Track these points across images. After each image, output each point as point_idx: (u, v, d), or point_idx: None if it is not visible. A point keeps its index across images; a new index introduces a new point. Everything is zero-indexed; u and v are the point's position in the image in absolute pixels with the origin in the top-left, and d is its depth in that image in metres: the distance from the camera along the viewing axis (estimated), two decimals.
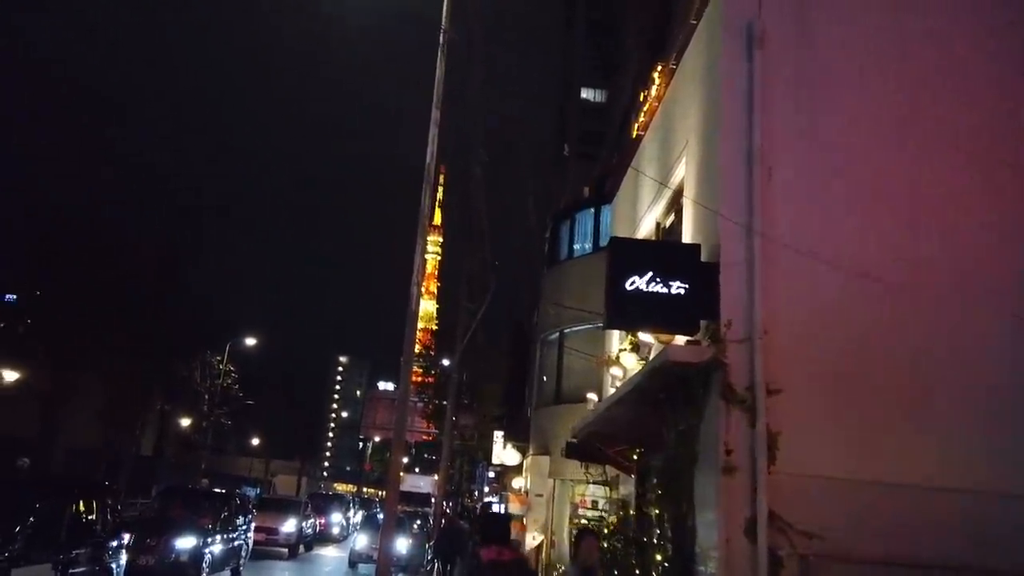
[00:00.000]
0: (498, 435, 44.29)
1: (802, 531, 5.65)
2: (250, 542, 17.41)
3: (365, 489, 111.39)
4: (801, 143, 6.69)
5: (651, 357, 7.84)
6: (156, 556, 13.40)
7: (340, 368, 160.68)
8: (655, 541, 7.26)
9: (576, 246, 19.47)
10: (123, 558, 11.14)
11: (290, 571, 20.31)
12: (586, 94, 70.79)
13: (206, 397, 42.83)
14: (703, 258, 6.57)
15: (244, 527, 16.91)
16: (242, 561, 16.58)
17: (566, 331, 18.84)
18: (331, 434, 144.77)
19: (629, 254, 6.94)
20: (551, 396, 18.94)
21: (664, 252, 7.40)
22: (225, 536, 15.34)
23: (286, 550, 22.20)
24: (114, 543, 10.73)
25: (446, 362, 35.31)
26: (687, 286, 6.42)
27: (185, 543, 13.75)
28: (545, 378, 19.80)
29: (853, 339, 6.24)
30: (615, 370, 9.29)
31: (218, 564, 14.91)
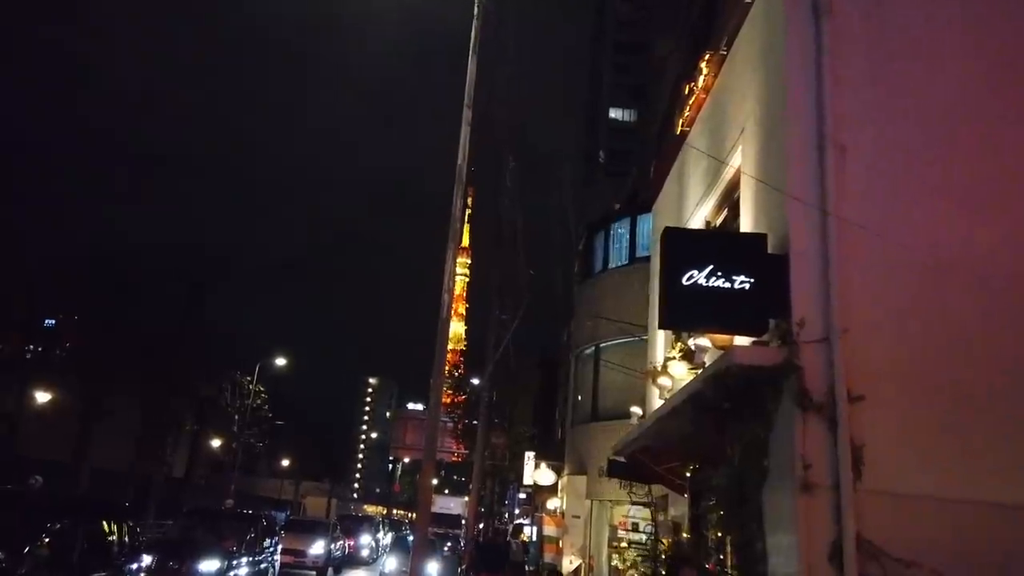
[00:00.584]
0: (529, 456, 43.46)
1: (896, 558, 4.90)
2: (277, 564, 16.85)
3: (395, 511, 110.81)
4: (876, 120, 5.99)
5: (706, 364, 7.15)
6: None
7: (369, 389, 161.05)
8: (720, 568, 6.53)
9: (611, 258, 18.80)
10: None
11: None
12: (614, 113, 70.55)
13: (236, 418, 42.61)
14: (769, 249, 5.88)
15: (271, 549, 16.35)
16: None
17: (602, 345, 18.13)
18: (360, 455, 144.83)
19: (686, 246, 6.26)
20: (587, 414, 18.19)
21: (726, 243, 6.70)
22: (250, 559, 14.79)
23: (314, 573, 21.60)
24: (133, 566, 10.22)
25: (476, 381, 34.76)
26: (752, 280, 5.73)
27: (209, 566, 13.22)
28: (580, 396, 19.07)
29: (946, 340, 5.48)
30: (663, 380, 8.59)
31: None
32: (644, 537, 16.18)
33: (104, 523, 9.53)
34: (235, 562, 13.96)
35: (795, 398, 5.30)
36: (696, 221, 9.22)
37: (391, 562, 20.03)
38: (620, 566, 16.49)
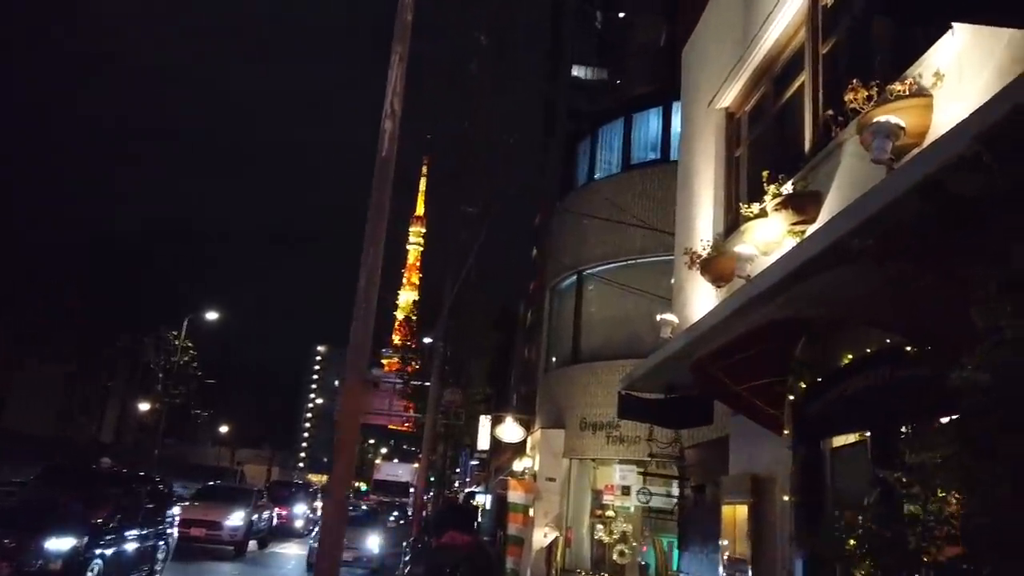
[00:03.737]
0: (485, 420, 40.42)
1: None
2: (172, 541, 13.25)
3: None
4: None
5: (750, 275, 3.87)
6: (13, 563, 9.27)
7: (319, 358, 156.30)
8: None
9: (599, 168, 15.47)
10: None
11: None
12: (577, 72, 66.83)
13: (160, 376, 38.41)
14: None
15: (164, 523, 12.76)
16: (159, 566, 12.45)
17: (587, 272, 14.85)
18: (308, 425, 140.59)
19: None
20: (566, 356, 14.97)
21: None
22: (130, 534, 11.21)
23: (232, 548, 18.04)
24: None
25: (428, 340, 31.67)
26: None
27: (60, 544, 9.62)
28: (558, 336, 15.82)
29: None
30: (743, 248, 5.29)
31: (118, 571, 10.80)
32: (637, 504, 13.14)
33: None
34: (103, 539, 10.37)
35: None
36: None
37: None
38: (606, 539, 13.39)
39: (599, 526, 13.38)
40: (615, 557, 12.94)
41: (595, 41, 27.83)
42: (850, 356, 4.27)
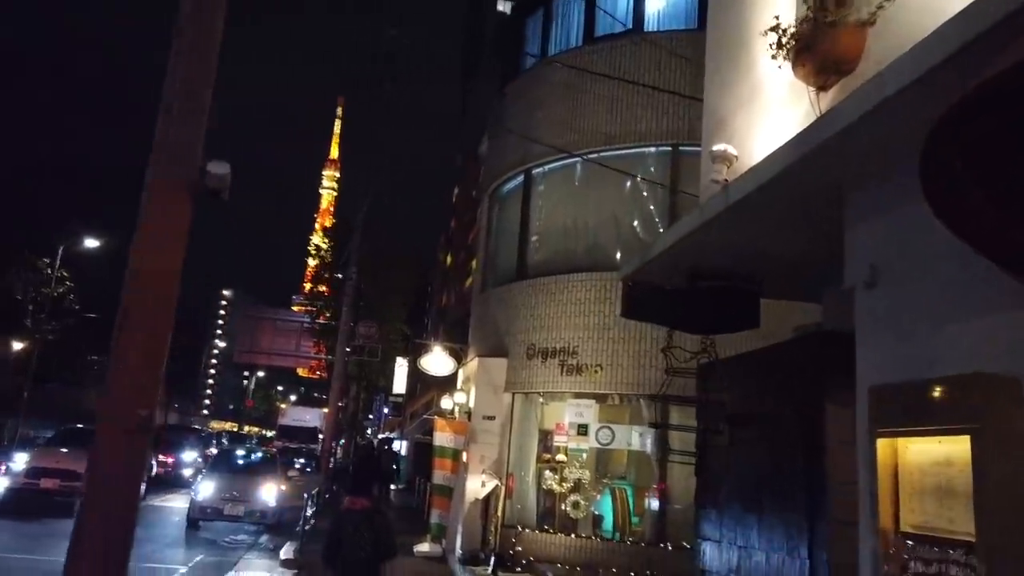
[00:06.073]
0: (402, 361, 37.77)
1: None
2: None
3: (247, 428, 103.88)
4: None
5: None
6: None
7: (224, 303, 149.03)
8: None
9: (553, 44, 12.72)
10: None
11: None
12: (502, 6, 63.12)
13: (30, 308, 33.67)
14: None
15: None
16: None
17: (536, 170, 12.24)
18: (213, 371, 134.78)
19: None
20: (509, 272, 12.40)
21: None
22: None
23: None
24: None
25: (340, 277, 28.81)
26: None
27: None
28: (498, 249, 13.21)
29: None
30: None
31: None
32: (595, 446, 10.84)
33: None
34: None
35: None
36: None
37: (207, 487, 13.63)
38: (556, 487, 11.14)
39: (548, 473, 11.09)
40: (567, 509, 10.71)
41: None
42: None
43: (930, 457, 2.80)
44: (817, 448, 4.27)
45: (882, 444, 3.00)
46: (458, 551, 11.37)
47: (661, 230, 9.88)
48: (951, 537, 2.63)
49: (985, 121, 2.31)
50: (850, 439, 4.02)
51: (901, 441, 2.96)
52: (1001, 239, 2.38)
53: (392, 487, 23.81)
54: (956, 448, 2.64)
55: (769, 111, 4.56)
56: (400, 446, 35.70)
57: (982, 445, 2.49)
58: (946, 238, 3.07)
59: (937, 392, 2.76)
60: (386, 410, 50.98)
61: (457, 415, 13.35)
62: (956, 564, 2.57)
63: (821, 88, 3.93)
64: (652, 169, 10.99)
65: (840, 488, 4.30)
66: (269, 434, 51.53)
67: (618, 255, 10.69)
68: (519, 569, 10.08)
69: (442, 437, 12.84)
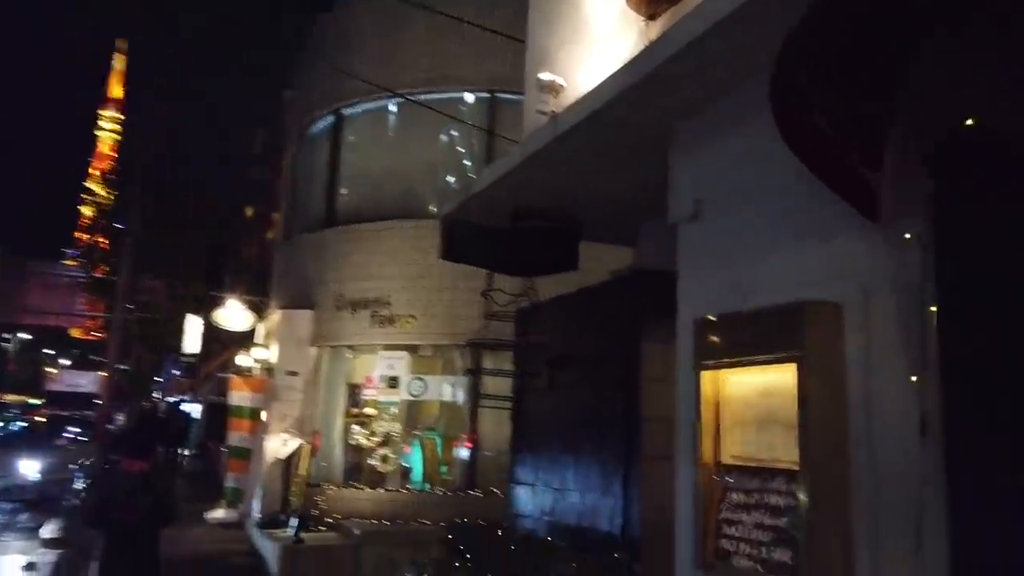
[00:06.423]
0: (194, 319, 35.09)
1: None
2: None
3: (8, 396, 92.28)
4: None
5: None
6: None
7: None
8: None
9: None
10: None
11: None
12: None
13: None
14: None
15: None
16: None
17: (347, 112, 11.55)
18: None
19: None
20: (317, 218, 11.65)
21: None
22: None
23: None
24: None
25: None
26: None
27: None
28: (305, 194, 12.32)
29: None
30: None
31: None
32: (406, 398, 10.53)
33: None
34: None
35: None
36: None
37: None
38: (364, 442, 10.73)
39: (356, 428, 10.65)
40: (375, 463, 10.38)
41: None
42: None
43: (753, 388, 2.82)
44: (633, 387, 4.29)
45: (706, 377, 2.98)
46: (256, 515, 10.66)
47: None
48: (773, 466, 2.65)
49: (826, 37, 2.25)
50: (664, 376, 4.07)
51: (723, 373, 2.95)
52: (840, 165, 2.36)
53: (182, 452, 22.04)
54: (780, 378, 2.65)
55: (597, 43, 4.43)
56: (193, 409, 33.23)
57: (806, 373, 2.51)
58: (768, 168, 3.08)
59: (761, 322, 2.76)
60: (176, 372, 47.31)
61: (257, 373, 12.44)
62: (776, 493, 2.59)
63: (651, 17, 3.84)
64: (469, 116, 10.72)
65: (652, 424, 4.37)
66: (35, 402, 45.80)
67: (434, 203, 10.35)
68: (324, 528, 9.62)
69: (239, 396, 11.93)
